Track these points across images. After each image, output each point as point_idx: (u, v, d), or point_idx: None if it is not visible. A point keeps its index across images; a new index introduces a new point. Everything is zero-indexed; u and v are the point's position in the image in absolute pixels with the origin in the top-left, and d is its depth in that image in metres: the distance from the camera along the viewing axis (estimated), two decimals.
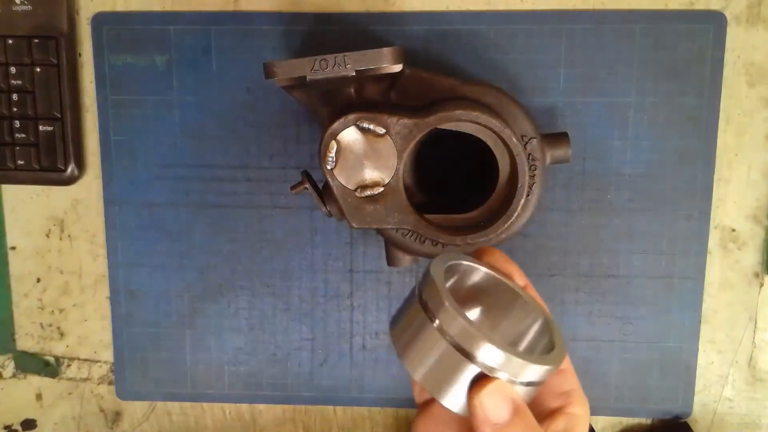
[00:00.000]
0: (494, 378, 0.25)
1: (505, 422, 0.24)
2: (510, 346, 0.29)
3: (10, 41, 0.50)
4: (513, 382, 0.25)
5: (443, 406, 0.29)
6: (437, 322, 0.26)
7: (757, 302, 0.51)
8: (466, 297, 0.32)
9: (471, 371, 0.25)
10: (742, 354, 0.52)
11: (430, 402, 0.32)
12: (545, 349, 0.28)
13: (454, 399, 0.26)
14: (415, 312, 0.27)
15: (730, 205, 0.50)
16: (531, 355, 0.27)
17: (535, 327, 0.30)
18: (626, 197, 0.50)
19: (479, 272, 0.31)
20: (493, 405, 0.24)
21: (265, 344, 0.54)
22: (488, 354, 0.24)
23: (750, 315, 0.52)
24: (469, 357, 0.25)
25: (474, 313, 0.32)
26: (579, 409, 0.29)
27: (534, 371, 0.25)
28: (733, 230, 0.51)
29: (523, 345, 0.30)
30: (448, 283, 0.30)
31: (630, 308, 0.52)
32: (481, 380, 0.24)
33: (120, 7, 0.50)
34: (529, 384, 0.26)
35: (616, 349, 0.52)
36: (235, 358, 0.54)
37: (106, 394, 0.56)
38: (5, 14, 0.50)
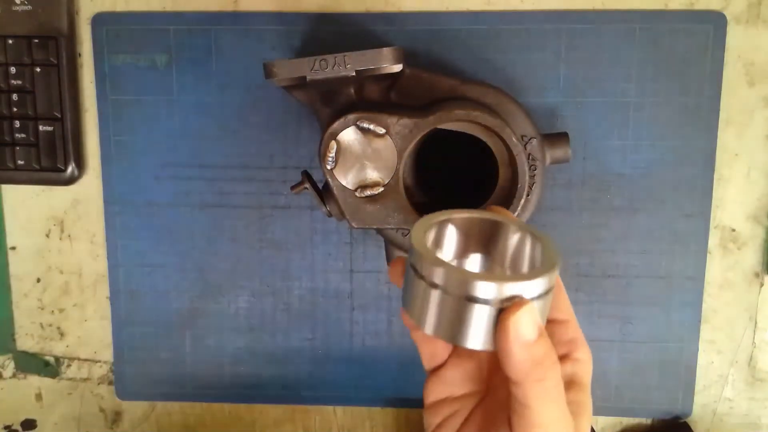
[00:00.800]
0: (524, 301, 0.26)
1: (534, 340, 0.26)
2: (513, 271, 0.32)
3: (10, 41, 0.50)
4: (536, 299, 0.27)
5: (452, 368, 0.32)
6: (435, 282, 0.27)
7: (757, 302, 0.51)
8: (462, 247, 0.33)
9: (486, 312, 0.27)
10: (742, 354, 0.52)
11: (439, 367, 0.33)
12: (542, 259, 0.30)
13: (478, 339, 0.27)
14: (415, 282, 0.28)
15: (730, 205, 0.50)
16: (532, 269, 0.29)
17: (528, 244, 0.31)
18: (626, 197, 0.50)
19: (461, 220, 0.32)
20: (524, 325, 0.26)
21: (265, 344, 0.54)
22: (492, 290, 0.26)
23: (750, 315, 0.52)
24: (478, 300, 0.26)
25: (476, 259, 0.34)
26: (583, 355, 0.32)
27: (539, 284, 0.27)
28: (733, 230, 0.51)
29: (526, 264, 0.32)
30: (439, 241, 0.32)
31: (630, 308, 0.52)
32: (512, 306, 0.26)
33: (120, 7, 0.50)
34: (542, 296, 0.27)
35: (616, 349, 0.52)
36: (235, 358, 0.54)
37: (106, 394, 0.56)
38: (5, 14, 0.50)
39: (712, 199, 0.50)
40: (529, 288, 0.27)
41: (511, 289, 0.26)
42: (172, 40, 0.50)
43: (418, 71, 0.44)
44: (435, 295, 0.28)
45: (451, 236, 0.33)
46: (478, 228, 0.32)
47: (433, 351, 0.33)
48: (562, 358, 0.31)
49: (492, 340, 0.27)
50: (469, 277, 0.26)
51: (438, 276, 0.27)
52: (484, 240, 0.33)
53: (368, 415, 0.55)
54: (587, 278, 0.51)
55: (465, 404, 0.33)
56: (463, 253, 0.33)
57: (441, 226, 0.32)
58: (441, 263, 0.27)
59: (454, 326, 0.27)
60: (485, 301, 0.26)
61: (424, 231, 0.30)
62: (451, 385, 0.33)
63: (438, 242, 0.32)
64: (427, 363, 0.34)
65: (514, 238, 0.32)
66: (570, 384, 0.31)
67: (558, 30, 0.49)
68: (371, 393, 0.55)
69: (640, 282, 0.51)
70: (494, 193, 0.43)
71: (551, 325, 0.32)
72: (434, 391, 0.33)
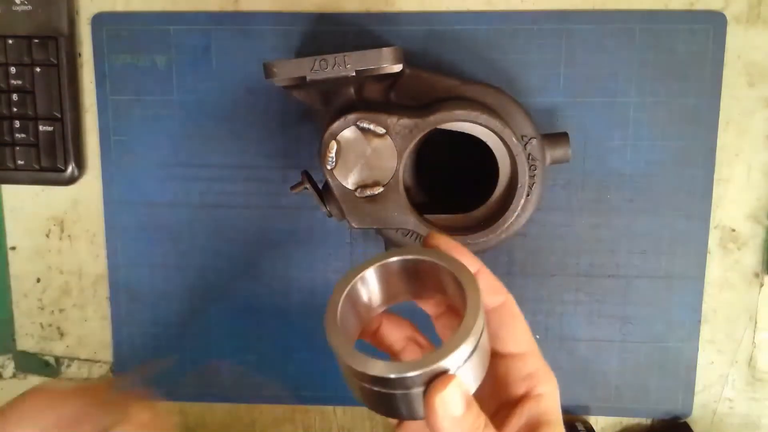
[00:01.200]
0: (447, 378, 0.25)
1: (462, 415, 0.26)
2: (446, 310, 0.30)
3: (10, 41, 0.50)
4: (460, 367, 0.26)
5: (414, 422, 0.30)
6: (354, 372, 0.27)
7: (757, 302, 0.51)
8: (387, 294, 0.32)
9: (410, 394, 0.26)
10: (742, 354, 0.52)
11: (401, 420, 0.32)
12: (465, 308, 0.28)
13: (408, 414, 0.27)
14: (345, 369, 0.28)
15: (730, 205, 0.50)
16: (451, 338, 0.27)
17: (453, 285, 0.29)
18: (626, 197, 0.50)
19: (380, 267, 0.31)
20: (451, 403, 0.25)
21: (265, 344, 0.54)
22: (413, 378, 0.25)
23: (750, 315, 0.52)
24: (397, 388, 0.26)
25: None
26: (545, 388, 0.29)
27: (462, 351, 0.26)
28: (733, 230, 0.51)
29: (457, 301, 0.30)
30: (360, 297, 0.31)
31: (630, 308, 0.52)
32: (435, 385, 0.25)
33: (120, 7, 0.50)
34: (470, 357, 0.26)
35: (616, 349, 0.52)
36: (235, 358, 0.54)
37: None
38: (5, 14, 0.50)
39: (712, 199, 0.50)
40: (452, 360, 0.25)
41: (433, 369, 0.25)
42: (172, 40, 0.50)
43: (418, 71, 0.44)
44: (357, 382, 0.27)
45: (372, 287, 0.31)
46: (403, 271, 0.31)
47: None
48: (523, 398, 0.29)
49: (422, 414, 0.26)
50: (384, 370, 0.26)
51: (355, 367, 0.27)
52: (412, 282, 0.31)
53: (368, 415, 0.55)
54: (587, 278, 0.51)
55: None
56: (389, 299, 0.32)
57: (358, 282, 0.30)
58: (355, 358, 0.27)
59: (381, 404, 0.27)
60: (408, 386, 0.26)
61: (336, 308, 0.29)
62: None
63: (358, 298, 0.31)
64: (389, 419, 0.33)
65: (439, 279, 0.30)
66: (537, 426, 0.29)
67: (558, 30, 0.49)
68: None
69: (640, 282, 0.51)
70: (494, 193, 0.43)
71: (507, 359, 0.30)
72: None
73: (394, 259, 0.30)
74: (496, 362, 0.30)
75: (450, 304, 0.31)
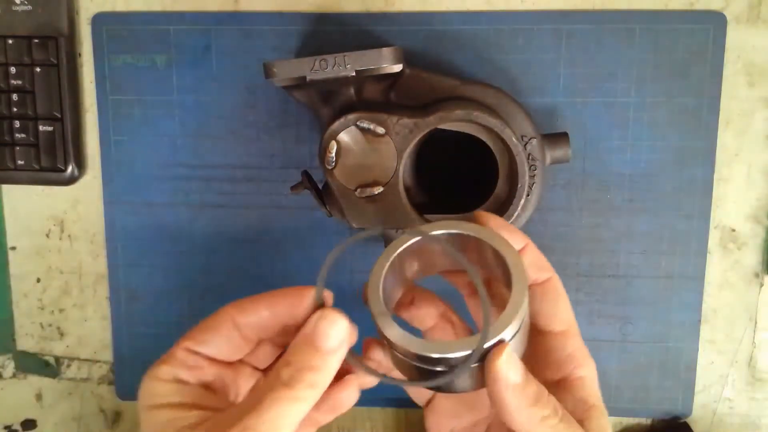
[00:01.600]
0: (503, 345, 0.26)
1: (522, 382, 0.25)
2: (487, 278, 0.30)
3: (10, 41, 0.50)
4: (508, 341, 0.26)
5: (442, 396, 0.31)
6: (402, 353, 0.27)
7: (757, 302, 0.51)
8: (431, 263, 0.31)
9: (462, 369, 0.26)
10: (742, 354, 0.52)
11: (432, 399, 0.32)
12: (511, 288, 0.28)
13: (465, 386, 0.27)
14: (385, 340, 0.28)
15: (730, 205, 0.50)
16: (501, 316, 0.27)
17: (498, 263, 0.29)
18: (626, 197, 0.50)
19: (419, 242, 0.30)
20: (511, 369, 0.25)
21: None
22: (463, 356, 0.25)
23: (750, 315, 0.52)
24: (451, 365, 0.26)
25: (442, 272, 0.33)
26: (586, 370, 0.29)
27: (510, 330, 0.26)
28: (733, 230, 0.51)
29: (500, 277, 0.30)
30: (401, 266, 0.30)
31: (630, 308, 0.52)
32: (495, 349, 0.25)
33: (120, 7, 0.50)
34: (516, 333, 0.26)
35: (616, 349, 0.52)
36: None
37: (106, 394, 0.56)
38: (5, 14, 0.50)
39: (712, 199, 0.50)
40: (504, 335, 0.26)
41: (479, 350, 0.25)
42: (172, 40, 0.50)
43: (418, 71, 0.44)
44: (407, 361, 0.27)
45: (412, 259, 0.31)
46: (463, 245, 0.31)
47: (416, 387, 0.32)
48: (564, 380, 0.29)
49: (473, 384, 0.26)
50: (428, 349, 0.26)
51: (401, 349, 0.26)
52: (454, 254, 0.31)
53: (368, 416, 0.55)
54: (587, 278, 0.51)
55: None
56: (426, 271, 0.32)
57: (401, 254, 0.30)
58: (402, 338, 0.27)
59: (419, 378, 0.27)
60: (458, 363, 0.26)
61: (379, 280, 0.29)
62: (449, 416, 0.31)
63: (399, 269, 0.31)
64: (417, 399, 0.33)
65: (481, 254, 0.30)
66: (585, 409, 0.28)
67: (558, 30, 0.49)
68: (371, 393, 0.54)
69: (640, 282, 0.51)
70: (494, 193, 0.43)
71: (548, 337, 0.29)
72: (436, 426, 0.32)
73: (439, 232, 0.30)
74: (537, 340, 0.29)
75: (488, 280, 0.31)
